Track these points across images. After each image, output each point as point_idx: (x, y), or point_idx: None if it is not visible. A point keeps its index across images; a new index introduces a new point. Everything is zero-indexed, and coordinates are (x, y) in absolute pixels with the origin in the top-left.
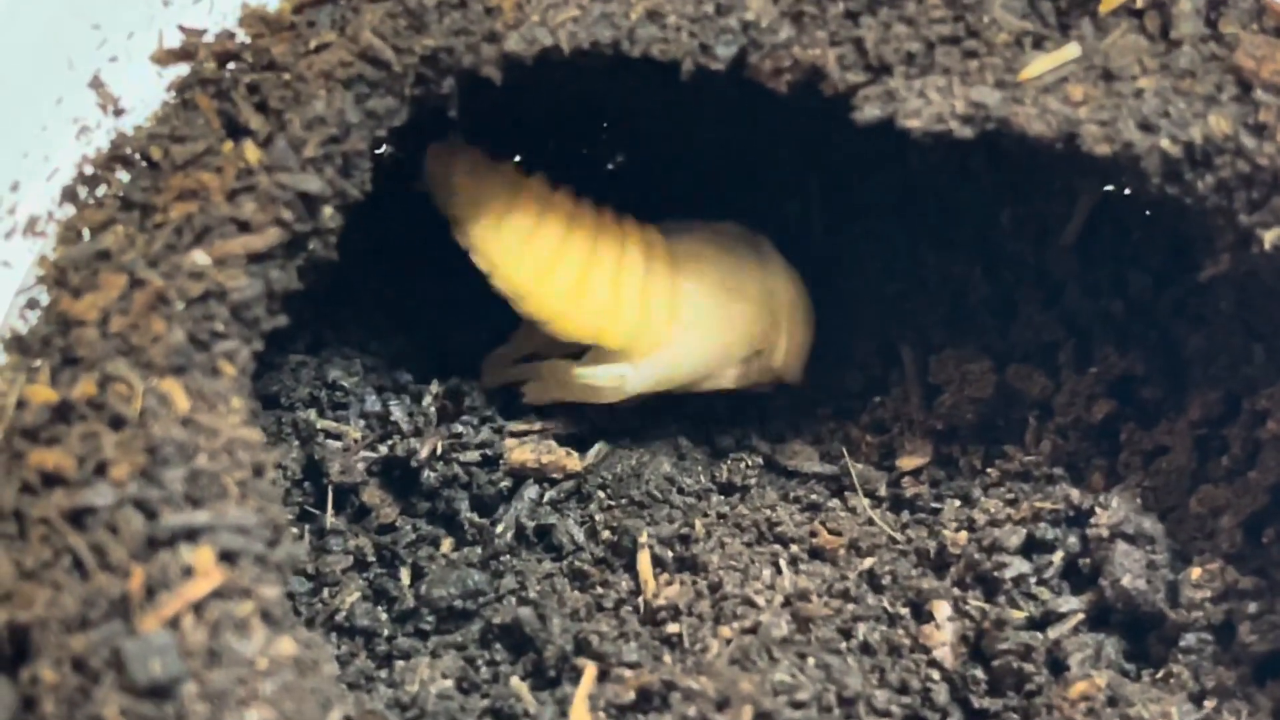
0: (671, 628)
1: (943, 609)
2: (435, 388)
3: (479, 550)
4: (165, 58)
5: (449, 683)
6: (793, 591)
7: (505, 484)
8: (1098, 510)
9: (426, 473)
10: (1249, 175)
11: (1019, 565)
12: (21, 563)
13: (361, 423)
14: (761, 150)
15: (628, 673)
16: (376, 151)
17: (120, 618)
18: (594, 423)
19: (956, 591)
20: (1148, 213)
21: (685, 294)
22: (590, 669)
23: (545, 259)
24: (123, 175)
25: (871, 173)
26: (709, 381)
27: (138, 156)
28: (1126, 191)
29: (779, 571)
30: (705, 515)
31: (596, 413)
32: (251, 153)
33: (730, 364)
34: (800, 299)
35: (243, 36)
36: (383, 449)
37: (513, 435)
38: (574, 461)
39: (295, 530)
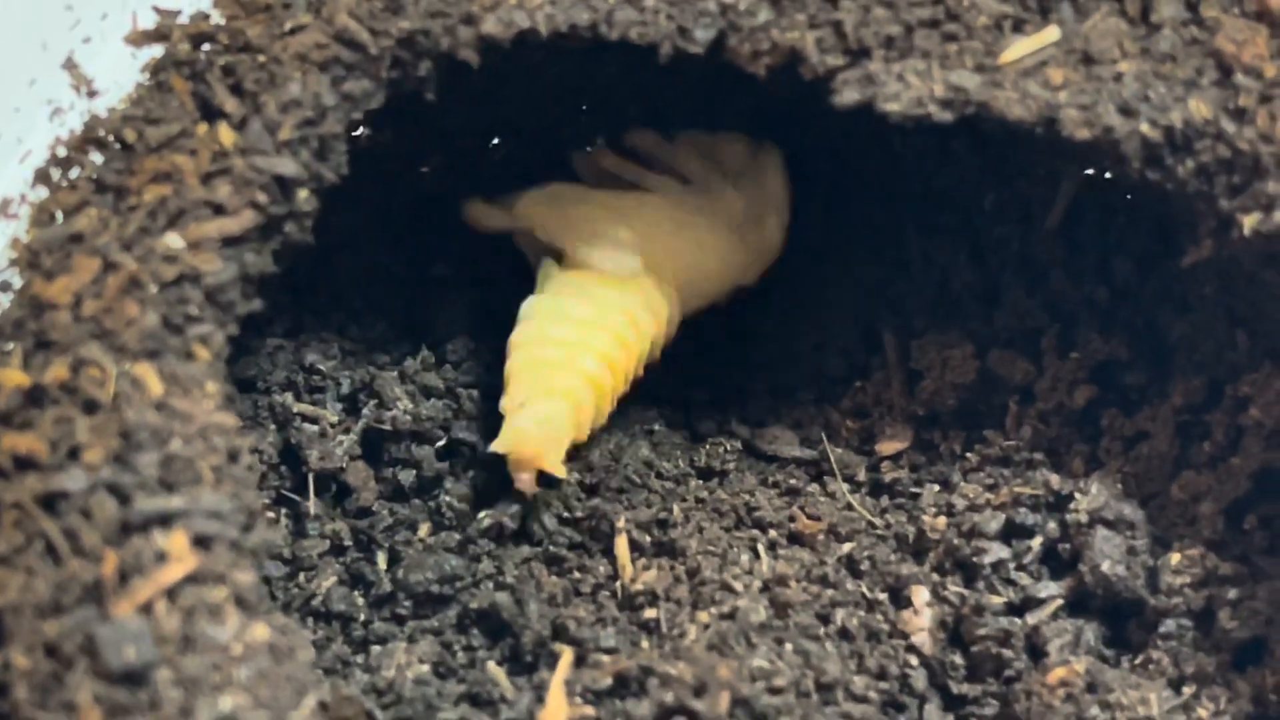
0: (649, 613)
1: (921, 594)
2: (412, 370)
3: (456, 535)
4: (139, 39)
5: (425, 668)
6: (771, 577)
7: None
8: (1078, 496)
9: (404, 456)
10: (1229, 160)
11: (998, 551)
12: None
13: (339, 406)
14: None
15: (605, 658)
16: (353, 134)
17: (93, 603)
18: None
19: (935, 577)
20: (1129, 198)
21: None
22: (567, 654)
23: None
24: (96, 157)
25: (854, 156)
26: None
27: (111, 138)
28: (1109, 176)
29: (757, 557)
30: (684, 500)
31: None
32: (226, 135)
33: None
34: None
35: (217, 18)
36: (359, 432)
37: None
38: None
39: (271, 515)
